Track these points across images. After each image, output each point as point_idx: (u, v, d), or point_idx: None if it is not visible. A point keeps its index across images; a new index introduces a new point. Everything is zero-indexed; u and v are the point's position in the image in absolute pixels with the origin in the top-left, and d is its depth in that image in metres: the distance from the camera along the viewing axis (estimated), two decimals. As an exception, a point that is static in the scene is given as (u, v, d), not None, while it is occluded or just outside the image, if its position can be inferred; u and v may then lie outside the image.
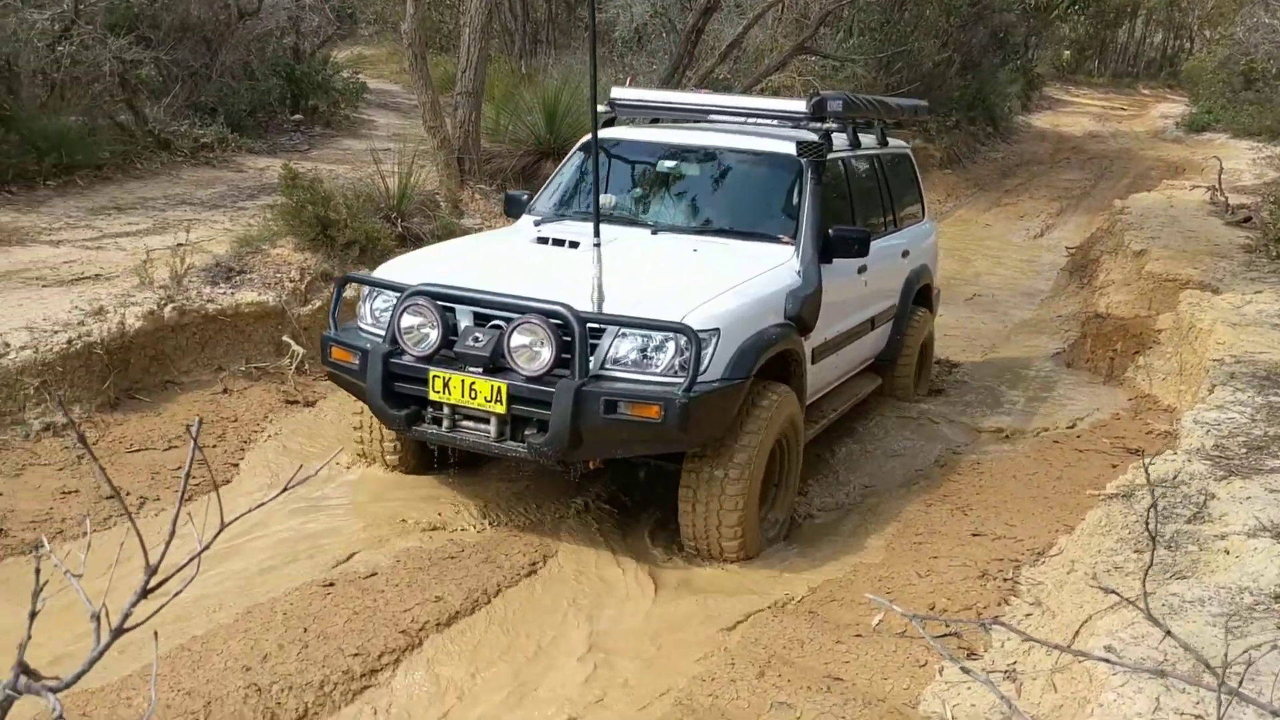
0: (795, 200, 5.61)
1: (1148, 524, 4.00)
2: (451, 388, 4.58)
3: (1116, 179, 19.72)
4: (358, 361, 4.85)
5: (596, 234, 4.45)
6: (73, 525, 4.86)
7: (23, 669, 1.45)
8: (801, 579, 4.80)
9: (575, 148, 6.45)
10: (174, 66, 12.37)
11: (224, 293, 7.01)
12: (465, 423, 4.69)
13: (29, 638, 1.48)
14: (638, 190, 6.10)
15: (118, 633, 1.47)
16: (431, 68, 10.85)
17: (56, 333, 5.99)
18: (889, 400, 7.09)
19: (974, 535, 5.23)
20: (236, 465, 5.68)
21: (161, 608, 1.45)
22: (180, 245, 7.15)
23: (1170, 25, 45.29)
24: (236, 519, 1.70)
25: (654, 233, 5.56)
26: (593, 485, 5.54)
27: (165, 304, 6.54)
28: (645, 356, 4.49)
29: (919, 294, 7.19)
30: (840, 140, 6.20)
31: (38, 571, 1.52)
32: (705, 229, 5.63)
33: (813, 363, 5.43)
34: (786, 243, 5.42)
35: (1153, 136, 26.39)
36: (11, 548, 4.66)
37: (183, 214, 9.19)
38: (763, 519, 5.00)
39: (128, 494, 5.19)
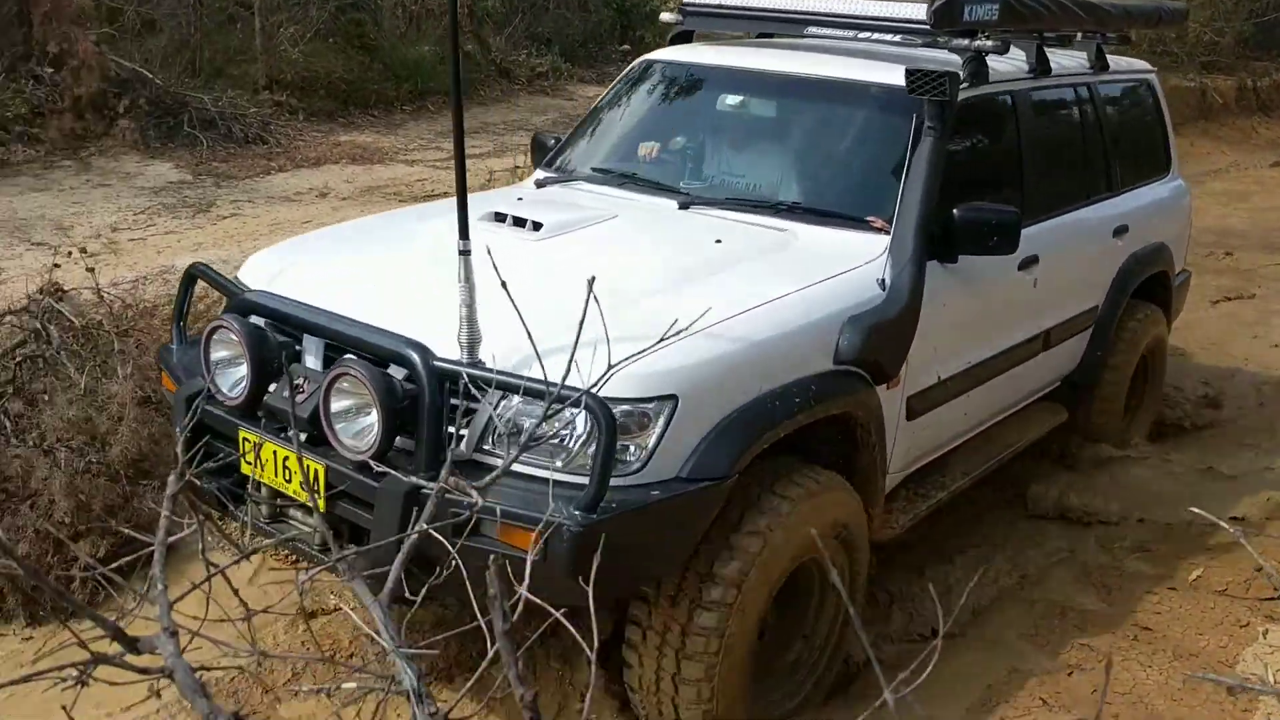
0: (903, 161, 3.73)
1: None
2: (265, 460, 3.07)
3: None
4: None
5: (464, 234, 2.81)
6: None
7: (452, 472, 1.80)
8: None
9: (624, 73, 4.70)
10: (516, -1, 13.63)
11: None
12: (294, 511, 3.18)
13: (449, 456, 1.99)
14: (680, 139, 4.34)
15: (524, 447, 1.96)
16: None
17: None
18: (1081, 443, 5.13)
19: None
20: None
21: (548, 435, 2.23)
22: (518, 168, 7.74)
23: None
24: (622, 364, 2.34)
25: (682, 207, 3.88)
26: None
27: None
28: (553, 437, 2.79)
29: (1145, 286, 5.16)
30: (1009, 65, 4.27)
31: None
32: (759, 203, 3.86)
33: (910, 418, 3.70)
34: (879, 229, 3.61)
35: None
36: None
37: (520, 139, 9.71)
38: (768, 687, 3.32)
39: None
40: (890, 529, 3.82)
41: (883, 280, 3.47)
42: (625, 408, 2.73)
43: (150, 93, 9.36)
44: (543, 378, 2.70)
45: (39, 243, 6.59)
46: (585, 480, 2.72)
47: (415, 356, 2.82)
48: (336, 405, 2.91)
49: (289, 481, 3.03)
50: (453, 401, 2.86)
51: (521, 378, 2.76)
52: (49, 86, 9.11)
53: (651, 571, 2.92)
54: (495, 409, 2.83)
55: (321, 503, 2.96)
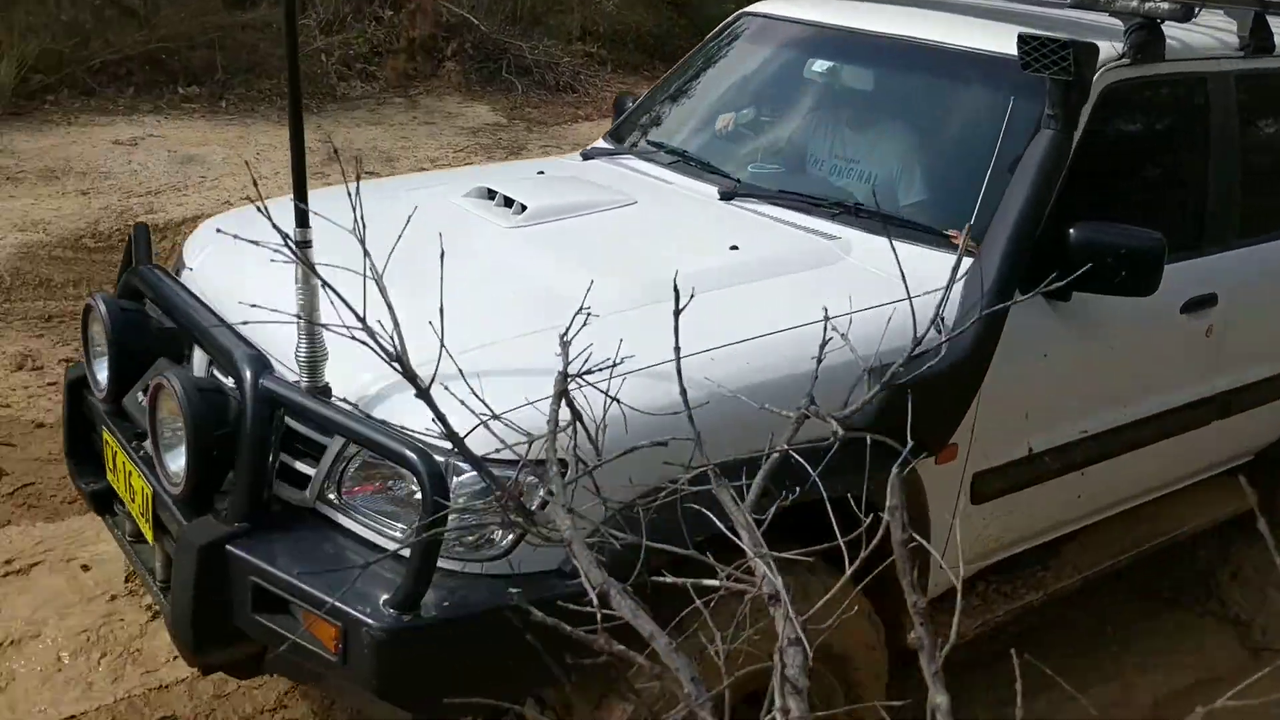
0: (1006, 159, 2.79)
1: None
2: (119, 469, 2.60)
3: None
4: None
5: (301, 220, 2.15)
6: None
7: (812, 399, 1.86)
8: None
9: (718, 27, 3.88)
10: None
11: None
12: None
13: (816, 379, 1.92)
14: (751, 111, 3.50)
15: (884, 385, 1.90)
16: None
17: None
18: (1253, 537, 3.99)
19: None
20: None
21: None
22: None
23: None
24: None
25: (724, 197, 3.08)
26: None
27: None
28: (407, 500, 2.14)
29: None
30: (1208, 38, 3.21)
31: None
32: (816, 200, 2.98)
33: (978, 501, 2.82)
34: (958, 246, 2.66)
35: None
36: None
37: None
38: None
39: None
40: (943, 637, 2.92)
41: (940, 319, 2.55)
42: (434, 473, 2.03)
43: (475, 38, 10.07)
44: (372, 428, 2.10)
45: (370, 172, 7.18)
46: (453, 561, 2.06)
47: (244, 371, 2.21)
48: (161, 426, 2.35)
49: (133, 500, 2.52)
50: (305, 431, 2.26)
51: (361, 416, 2.12)
52: (388, 28, 10.03)
53: (498, 695, 2.20)
54: (344, 447, 2.20)
55: (149, 532, 2.43)
